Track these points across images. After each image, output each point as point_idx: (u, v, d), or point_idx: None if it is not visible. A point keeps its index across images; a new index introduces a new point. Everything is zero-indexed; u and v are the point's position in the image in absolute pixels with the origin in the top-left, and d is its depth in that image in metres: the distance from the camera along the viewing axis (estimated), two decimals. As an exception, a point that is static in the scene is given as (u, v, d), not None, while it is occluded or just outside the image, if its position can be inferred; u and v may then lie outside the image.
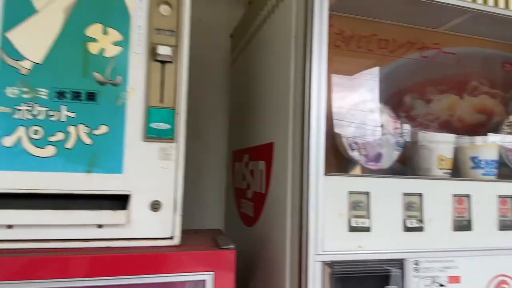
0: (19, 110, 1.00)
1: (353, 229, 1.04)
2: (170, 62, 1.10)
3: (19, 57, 1.01)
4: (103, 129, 1.05)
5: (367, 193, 1.07)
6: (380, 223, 1.07)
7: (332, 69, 1.20)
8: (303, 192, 1.03)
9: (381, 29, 1.36)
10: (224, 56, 2.42)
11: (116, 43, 1.08)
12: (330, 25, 1.24)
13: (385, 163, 1.18)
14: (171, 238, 1.08)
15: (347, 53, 1.34)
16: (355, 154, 1.15)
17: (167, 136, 1.09)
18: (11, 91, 1.00)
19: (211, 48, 2.45)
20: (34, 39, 1.02)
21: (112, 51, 1.07)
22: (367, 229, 1.05)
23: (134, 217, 1.05)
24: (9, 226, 0.97)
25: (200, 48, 2.42)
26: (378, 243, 1.08)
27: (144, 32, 1.10)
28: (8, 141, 0.99)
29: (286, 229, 1.12)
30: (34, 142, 1.00)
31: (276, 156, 1.27)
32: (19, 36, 1.02)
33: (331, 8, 1.15)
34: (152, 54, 1.09)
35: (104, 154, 1.05)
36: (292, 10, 1.16)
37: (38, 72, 1.02)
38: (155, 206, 1.07)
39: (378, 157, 1.17)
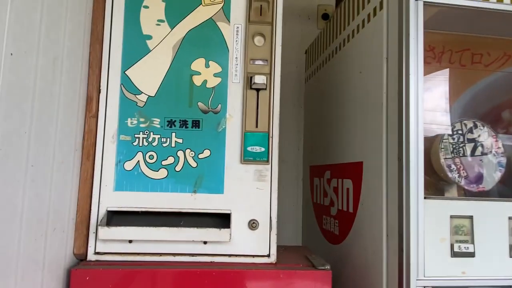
0: (138, 138, 1.15)
1: (456, 254, 1.00)
2: (264, 89, 1.18)
3: (136, 91, 1.16)
4: (206, 153, 1.16)
5: (470, 217, 1.02)
6: (485, 248, 1.02)
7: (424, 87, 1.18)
8: (402, 215, 1.02)
9: (474, 43, 1.30)
10: (297, 70, 2.48)
11: (216, 75, 1.18)
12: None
13: (487, 184, 1.12)
14: (268, 256, 1.14)
15: (439, 69, 1.30)
16: (454, 176, 1.11)
17: (262, 158, 1.16)
18: (131, 121, 1.15)
19: (284, 63, 2.53)
20: (148, 75, 1.17)
21: (213, 82, 1.18)
22: (471, 255, 1.01)
23: (234, 235, 1.13)
24: (130, 241, 1.11)
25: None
26: (483, 269, 1.02)
27: (240, 63, 1.19)
28: (129, 165, 1.13)
29: (382, 252, 1.11)
30: (149, 165, 1.14)
31: (366, 176, 1.27)
32: (136, 73, 1.17)
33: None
34: (248, 83, 1.17)
35: (207, 176, 1.15)
36: (383, 32, 1.17)
37: (152, 104, 1.16)
38: (253, 224, 1.14)
39: (479, 178, 1.11)
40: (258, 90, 1.18)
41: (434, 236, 1.01)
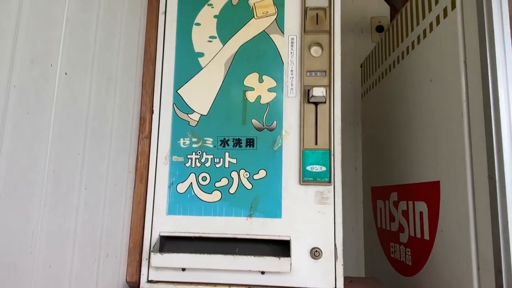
0: (190, 158, 1.09)
1: None
2: (323, 102, 1.08)
3: (189, 110, 1.12)
4: (262, 174, 1.07)
5: None
6: None
7: None
8: (498, 245, 0.84)
9: None
10: (352, 86, 2.36)
11: (271, 89, 1.11)
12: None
13: None
14: (333, 289, 1.01)
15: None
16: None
17: (323, 178, 1.05)
18: (183, 142, 1.10)
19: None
20: (200, 93, 1.12)
21: (267, 97, 1.11)
22: None
23: (294, 265, 1.02)
24: (183, 269, 1.03)
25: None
26: None
27: (296, 75, 1.11)
28: (182, 187, 1.08)
29: (473, 285, 0.93)
30: (202, 188, 1.07)
31: (444, 198, 1.10)
32: (188, 92, 1.13)
33: None
34: (305, 96, 1.08)
35: (264, 198, 1.06)
36: (458, 33, 1.03)
37: (204, 123, 1.11)
38: (316, 253, 1.02)
39: None
40: (316, 104, 1.08)
41: (544, 272, 0.82)
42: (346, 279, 1.26)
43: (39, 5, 0.64)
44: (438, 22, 1.17)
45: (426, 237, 1.20)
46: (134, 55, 1.09)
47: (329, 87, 1.09)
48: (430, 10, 1.22)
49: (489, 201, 0.89)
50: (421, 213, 1.25)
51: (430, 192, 1.18)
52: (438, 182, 1.13)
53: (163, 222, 1.07)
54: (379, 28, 2.51)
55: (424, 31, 1.26)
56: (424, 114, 1.26)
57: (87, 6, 0.81)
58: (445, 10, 1.12)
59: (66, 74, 0.72)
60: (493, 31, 0.90)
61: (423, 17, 1.27)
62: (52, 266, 0.69)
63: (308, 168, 1.06)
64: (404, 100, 1.43)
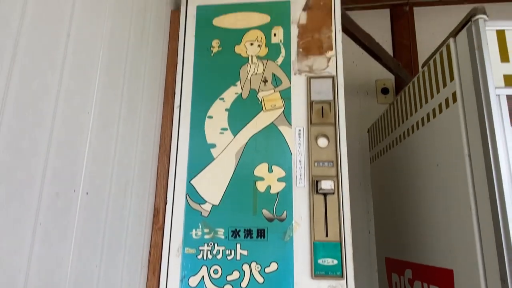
0: (202, 250, 1.11)
1: None
2: (332, 194, 1.10)
3: (201, 200, 1.15)
4: (273, 267, 1.07)
5: None
6: None
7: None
8: None
9: None
10: (360, 147, 2.40)
11: (280, 179, 1.14)
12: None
13: None
14: None
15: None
16: None
17: (335, 273, 1.05)
18: (195, 233, 1.13)
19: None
20: (212, 183, 1.16)
21: (277, 187, 1.14)
22: None
23: None
24: None
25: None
26: None
27: (304, 166, 1.14)
28: (194, 281, 1.09)
29: None
30: (214, 281, 1.08)
31: (458, 287, 1.08)
32: (200, 182, 1.17)
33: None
34: (314, 187, 1.11)
35: (276, 293, 1.06)
36: (460, 127, 1.07)
37: (216, 213, 1.14)
38: None
39: None
40: (325, 194, 1.11)
41: None
42: None
43: (64, 144, 0.70)
44: (440, 110, 1.21)
45: (444, 326, 1.16)
46: (150, 148, 1.15)
47: (337, 177, 1.12)
48: (432, 96, 1.27)
49: (504, 303, 0.88)
50: (436, 299, 1.22)
51: (444, 279, 1.16)
52: (452, 271, 1.12)
53: (175, 318, 1.06)
54: (384, 90, 2.58)
55: (428, 115, 1.30)
56: (434, 198, 1.27)
57: (109, 121, 0.88)
58: (447, 100, 1.17)
59: (87, 194, 0.77)
60: (494, 133, 0.94)
61: (426, 101, 1.32)
62: None
63: (320, 261, 1.06)
64: (414, 179, 1.45)
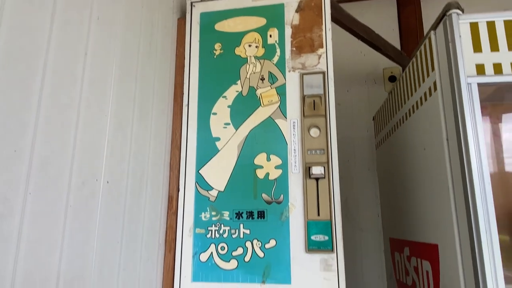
0: (210, 230, 1.27)
1: None
2: (323, 178, 1.23)
3: (208, 187, 1.31)
4: (272, 243, 1.22)
5: None
6: None
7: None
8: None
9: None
10: (368, 135, 2.47)
11: (277, 167, 1.28)
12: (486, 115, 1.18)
13: None
14: None
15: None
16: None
17: (326, 247, 1.18)
18: (204, 215, 1.29)
19: (353, 128, 2.56)
20: (218, 172, 1.32)
21: (275, 174, 1.28)
22: None
23: (304, 327, 1.13)
24: (207, 330, 1.18)
25: (342, 129, 2.56)
26: None
27: (298, 154, 1.28)
28: (204, 256, 1.25)
29: None
30: (221, 256, 1.24)
31: (443, 260, 1.19)
32: (208, 171, 1.33)
33: (489, 98, 1.12)
34: (307, 172, 1.24)
35: (275, 266, 1.20)
36: (440, 113, 1.16)
37: (221, 198, 1.29)
38: (322, 317, 1.13)
39: None
40: (317, 179, 1.23)
41: None
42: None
43: (87, 138, 0.87)
44: (426, 98, 1.30)
45: (432, 296, 1.27)
46: (163, 144, 1.32)
47: (327, 164, 1.24)
48: (419, 85, 1.36)
49: (472, 270, 0.98)
50: (427, 272, 1.32)
51: (431, 254, 1.27)
52: (437, 245, 1.22)
53: (189, 288, 1.24)
54: (392, 78, 2.64)
55: (417, 102, 1.39)
56: (423, 180, 1.37)
57: (124, 123, 1.04)
58: (430, 89, 1.26)
59: (108, 182, 0.94)
60: (464, 120, 1.03)
61: (415, 90, 1.41)
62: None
63: (313, 237, 1.20)
64: (407, 162, 1.54)
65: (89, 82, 0.88)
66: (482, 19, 1.11)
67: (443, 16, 1.15)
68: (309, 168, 1.23)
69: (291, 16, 1.40)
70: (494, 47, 1.09)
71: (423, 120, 1.35)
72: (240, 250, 1.23)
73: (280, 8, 1.42)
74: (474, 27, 1.11)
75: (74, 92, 0.83)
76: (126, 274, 1.01)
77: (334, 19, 1.61)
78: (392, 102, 1.76)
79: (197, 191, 1.32)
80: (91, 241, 0.87)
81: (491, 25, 1.10)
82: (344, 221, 2.60)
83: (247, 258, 1.22)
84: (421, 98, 1.35)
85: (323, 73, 1.32)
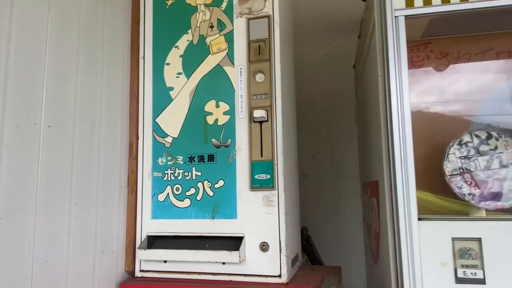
0: (167, 173, 1.37)
1: (461, 280, 0.92)
2: (266, 121, 1.28)
3: (164, 135, 1.40)
4: (220, 183, 1.31)
5: (478, 240, 0.93)
6: (498, 274, 0.90)
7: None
8: (397, 238, 0.99)
9: (497, 42, 1.16)
10: (352, 85, 2.45)
11: (225, 113, 1.34)
12: (431, 51, 1.18)
13: (507, 201, 0.98)
14: (279, 276, 1.22)
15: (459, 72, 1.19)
16: (464, 192, 1.01)
17: (268, 185, 1.26)
18: (161, 160, 1.39)
19: (338, 79, 2.53)
20: (172, 120, 1.39)
21: (223, 119, 1.34)
22: (480, 281, 0.91)
23: (248, 256, 1.25)
24: (165, 261, 1.32)
25: (328, 80, 2.54)
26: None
27: (245, 100, 1.32)
28: (161, 197, 1.37)
29: (391, 274, 1.08)
30: (176, 196, 1.35)
31: (381, 196, 1.24)
32: (163, 120, 1.41)
33: (425, 34, 1.10)
34: (252, 117, 1.29)
35: (223, 203, 1.30)
36: (377, 52, 1.16)
37: (176, 144, 1.38)
38: (263, 247, 1.24)
39: (496, 195, 0.98)
40: (261, 122, 1.29)
41: (433, 261, 0.95)
42: (310, 267, 1.46)
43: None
44: (371, 38, 1.29)
45: (377, 229, 1.34)
46: (119, 95, 1.39)
47: (271, 107, 1.28)
48: (369, 24, 1.34)
49: (391, 203, 1.03)
50: (375, 208, 1.39)
51: (376, 190, 1.32)
52: (377, 182, 1.27)
53: (149, 225, 1.36)
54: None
55: (369, 42, 1.38)
56: (371, 121, 1.39)
57: (67, 69, 1.13)
58: (373, 27, 1.24)
59: (49, 127, 1.04)
60: (388, 52, 1.03)
61: (368, 30, 1.39)
62: (49, 261, 1.02)
63: (256, 176, 1.27)
64: (367, 107, 1.56)
65: (19, 30, 0.95)
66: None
67: None
68: (251, 112, 1.28)
69: (238, -40, 1.39)
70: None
71: (373, 60, 1.35)
72: (192, 190, 1.34)
73: (227, -48, 1.40)
74: (406, -43, 1.07)
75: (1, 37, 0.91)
76: (78, 209, 1.14)
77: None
78: (360, 46, 1.74)
79: (154, 139, 1.41)
80: (33, 177, 0.99)
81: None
82: (329, 170, 2.65)
83: (198, 197, 1.33)
84: (371, 36, 1.34)
85: (268, 17, 1.32)
